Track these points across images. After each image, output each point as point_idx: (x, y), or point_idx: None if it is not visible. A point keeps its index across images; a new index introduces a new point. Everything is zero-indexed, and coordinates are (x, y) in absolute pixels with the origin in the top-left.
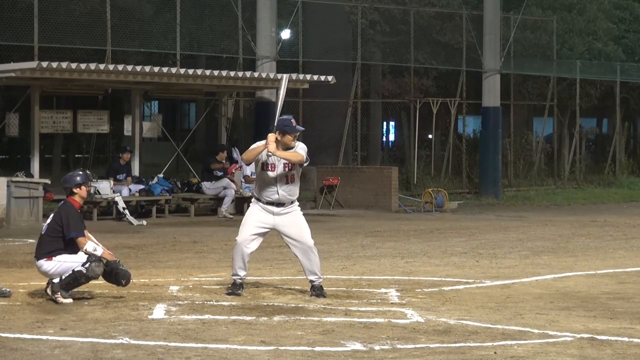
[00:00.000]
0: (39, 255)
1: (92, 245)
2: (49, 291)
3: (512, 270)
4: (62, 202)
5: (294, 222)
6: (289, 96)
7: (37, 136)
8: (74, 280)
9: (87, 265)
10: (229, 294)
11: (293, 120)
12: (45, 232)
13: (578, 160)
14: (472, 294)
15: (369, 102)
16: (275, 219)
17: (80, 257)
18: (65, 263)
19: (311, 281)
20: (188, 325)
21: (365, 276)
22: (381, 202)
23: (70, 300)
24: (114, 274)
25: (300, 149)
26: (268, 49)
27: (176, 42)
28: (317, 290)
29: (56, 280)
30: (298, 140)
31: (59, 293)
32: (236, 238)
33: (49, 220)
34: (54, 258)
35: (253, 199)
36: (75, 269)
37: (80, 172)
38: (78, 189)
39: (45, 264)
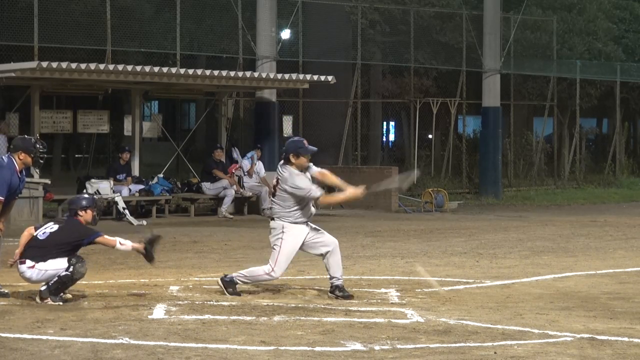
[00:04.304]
0: (23, 256)
1: (120, 239)
2: (37, 299)
3: (512, 270)
4: (66, 217)
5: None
6: (289, 96)
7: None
8: (61, 285)
9: (71, 269)
10: (231, 293)
11: (305, 142)
12: (44, 238)
13: (578, 160)
14: (472, 294)
15: (369, 102)
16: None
17: (61, 263)
18: (47, 272)
19: (337, 278)
20: (188, 325)
21: (365, 276)
22: (381, 202)
23: (60, 303)
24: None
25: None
26: (268, 49)
27: (176, 42)
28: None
29: (43, 287)
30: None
31: (49, 299)
32: (274, 274)
33: (51, 229)
34: (36, 266)
35: (289, 223)
36: (61, 274)
37: (87, 196)
38: (83, 212)
39: (28, 271)
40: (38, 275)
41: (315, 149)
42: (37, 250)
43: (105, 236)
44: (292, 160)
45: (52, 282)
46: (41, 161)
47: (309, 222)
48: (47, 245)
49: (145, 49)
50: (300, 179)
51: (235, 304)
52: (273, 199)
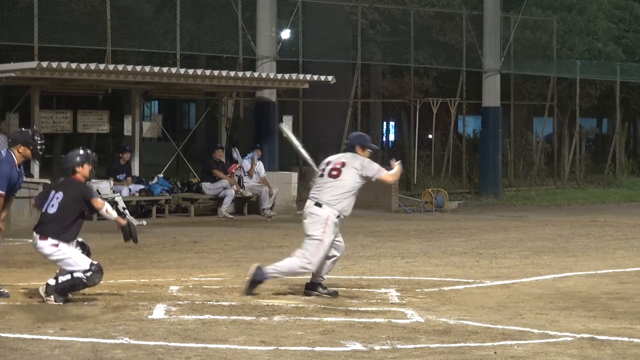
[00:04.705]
0: (43, 233)
1: (109, 206)
2: (41, 290)
3: (512, 270)
4: (63, 179)
5: None
6: (289, 96)
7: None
8: (71, 287)
9: (88, 274)
10: (248, 293)
11: (369, 138)
12: (56, 211)
13: (578, 160)
14: (472, 294)
15: (369, 102)
16: None
17: (84, 260)
18: (69, 259)
19: (322, 278)
20: (188, 325)
21: (365, 276)
22: (381, 202)
23: (60, 303)
24: (130, 235)
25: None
26: (268, 49)
27: (176, 42)
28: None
29: (52, 282)
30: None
31: (52, 296)
32: (310, 267)
33: (58, 199)
34: (60, 246)
35: (335, 217)
36: (75, 275)
37: (81, 151)
38: (80, 168)
39: (48, 248)
40: (57, 256)
41: (377, 147)
42: (54, 225)
43: (98, 199)
44: (358, 152)
45: (62, 279)
46: (40, 152)
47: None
48: (60, 217)
49: (145, 49)
50: (370, 161)
51: (235, 304)
52: (329, 180)
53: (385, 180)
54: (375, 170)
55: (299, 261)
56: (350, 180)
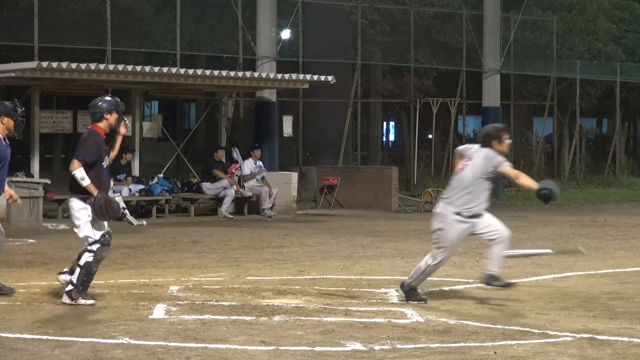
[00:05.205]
0: (73, 190)
1: (82, 173)
2: (66, 301)
3: (512, 270)
4: (87, 132)
5: None
6: (289, 96)
7: (37, 136)
8: (87, 276)
9: (95, 247)
10: (415, 299)
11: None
12: None
13: (578, 160)
14: (472, 294)
15: (369, 102)
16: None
17: (100, 227)
18: (88, 223)
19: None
20: (188, 325)
21: (365, 276)
22: (381, 202)
23: (92, 301)
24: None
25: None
26: (268, 49)
27: (176, 42)
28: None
29: (69, 288)
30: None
31: (79, 297)
32: (442, 258)
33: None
34: (87, 203)
35: (452, 214)
36: (82, 263)
37: (108, 97)
38: (108, 115)
39: (76, 202)
40: (80, 214)
41: (510, 140)
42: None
43: (78, 163)
44: (495, 146)
45: (75, 276)
46: (22, 125)
47: (478, 215)
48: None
49: (145, 49)
50: (497, 154)
51: (235, 304)
52: (456, 177)
53: (519, 181)
54: (499, 162)
55: (425, 260)
56: (474, 175)
